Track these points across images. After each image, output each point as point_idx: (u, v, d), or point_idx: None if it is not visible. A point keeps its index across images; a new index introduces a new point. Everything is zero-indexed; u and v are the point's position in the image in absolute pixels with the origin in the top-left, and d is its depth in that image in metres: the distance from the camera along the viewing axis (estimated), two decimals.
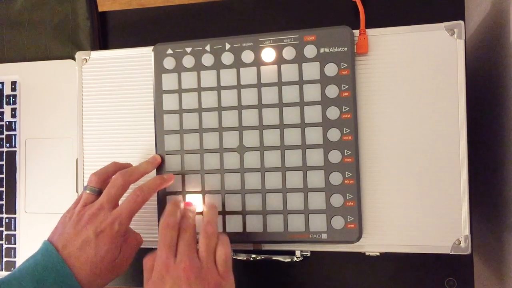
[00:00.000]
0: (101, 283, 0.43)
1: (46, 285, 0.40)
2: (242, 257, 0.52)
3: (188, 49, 0.50)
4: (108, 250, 0.42)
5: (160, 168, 0.50)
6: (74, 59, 0.57)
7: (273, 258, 0.52)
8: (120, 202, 0.46)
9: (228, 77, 0.49)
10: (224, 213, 0.49)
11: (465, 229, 0.45)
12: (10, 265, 0.59)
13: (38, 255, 0.42)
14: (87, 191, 0.45)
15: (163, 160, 0.50)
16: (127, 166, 0.49)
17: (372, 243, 0.47)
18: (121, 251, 0.44)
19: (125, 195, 0.46)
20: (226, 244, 0.42)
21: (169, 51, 0.50)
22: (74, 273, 0.41)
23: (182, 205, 0.46)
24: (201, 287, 0.39)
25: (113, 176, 0.46)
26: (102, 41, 0.61)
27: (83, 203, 0.45)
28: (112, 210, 0.44)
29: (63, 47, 0.61)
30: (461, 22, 0.46)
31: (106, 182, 0.47)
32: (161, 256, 0.40)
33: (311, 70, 0.47)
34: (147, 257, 0.42)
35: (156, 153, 0.51)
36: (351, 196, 0.46)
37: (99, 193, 0.46)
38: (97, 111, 0.53)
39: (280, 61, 0.48)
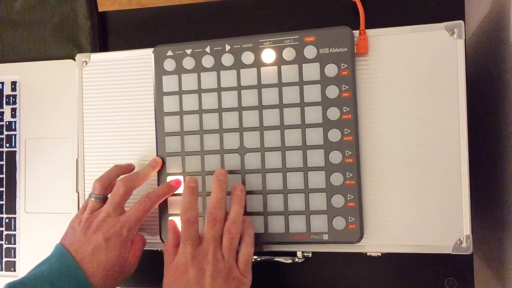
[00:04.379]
0: (112, 285, 0.44)
1: None
2: None
3: (188, 51, 0.50)
4: (119, 255, 0.43)
5: (161, 170, 0.50)
6: (74, 59, 0.57)
7: (274, 259, 0.52)
8: (126, 207, 0.46)
9: (228, 78, 0.49)
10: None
11: (467, 229, 0.45)
12: (10, 265, 0.59)
13: (52, 258, 0.43)
14: (92, 199, 0.46)
15: (164, 162, 0.50)
16: (129, 168, 0.50)
17: (374, 244, 0.47)
18: (130, 254, 0.45)
19: (131, 199, 0.47)
20: (250, 245, 0.44)
21: (169, 53, 0.50)
22: (88, 278, 0.42)
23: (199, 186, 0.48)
24: (222, 280, 0.40)
25: (115, 183, 0.47)
26: (102, 41, 0.61)
27: (90, 210, 0.45)
28: (119, 216, 0.45)
29: (63, 47, 0.61)
30: (461, 22, 0.46)
31: (110, 187, 0.47)
32: (185, 249, 0.42)
33: (311, 71, 0.47)
34: (168, 242, 0.44)
35: (157, 155, 0.50)
36: (352, 196, 0.46)
37: (104, 199, 0.46)
38: (97, 113, 0.53)
39: (280, 62, 0.48)
